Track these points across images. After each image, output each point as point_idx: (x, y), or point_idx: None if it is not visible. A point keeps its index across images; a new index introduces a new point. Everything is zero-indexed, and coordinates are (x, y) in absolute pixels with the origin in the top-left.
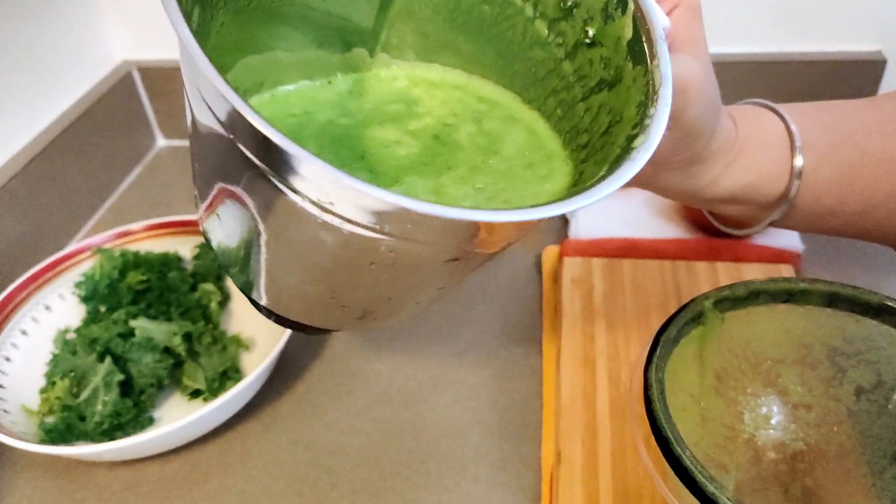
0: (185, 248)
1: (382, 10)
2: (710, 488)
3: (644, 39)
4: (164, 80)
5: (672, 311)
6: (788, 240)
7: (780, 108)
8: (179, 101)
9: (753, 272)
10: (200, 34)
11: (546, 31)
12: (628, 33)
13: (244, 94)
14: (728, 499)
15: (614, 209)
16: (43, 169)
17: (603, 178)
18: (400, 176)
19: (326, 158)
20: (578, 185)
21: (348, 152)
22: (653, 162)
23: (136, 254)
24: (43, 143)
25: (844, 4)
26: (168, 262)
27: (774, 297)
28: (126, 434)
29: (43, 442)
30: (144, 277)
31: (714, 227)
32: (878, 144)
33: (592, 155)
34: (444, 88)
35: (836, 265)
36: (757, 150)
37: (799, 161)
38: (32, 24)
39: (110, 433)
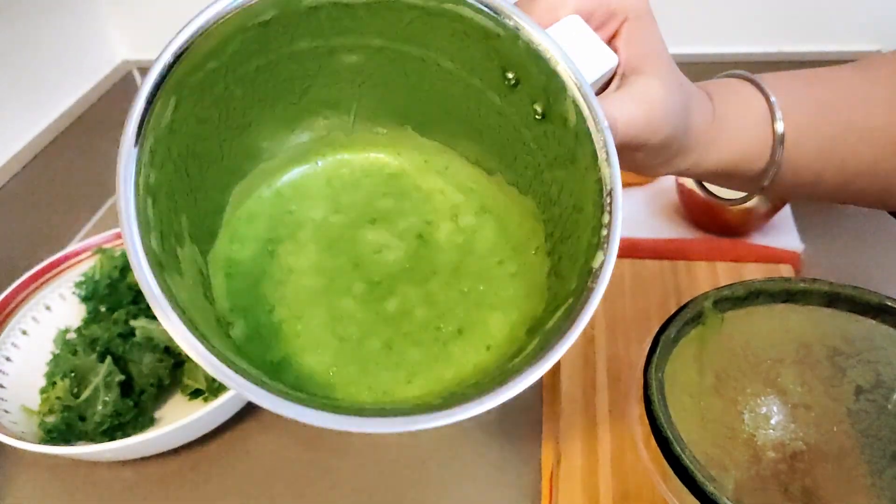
0: None
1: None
2: (710, 488)
3: (589, 128)
4: None
5: (672, 311)
6: (788, 240)
7: (761, 79)
8: None
9: (753, 272)
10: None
11: (499, 101)
12: (573, 118)
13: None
14: (727, 498)
15: None
16: (43, 169)
17: (537, 350)
18: (394, 286)
19: (325, 266)
20: (548, 292)
21: (345, 259)
22: (628, 167)
23: None
24: (43, 143)
25: (844, 4)
26: None
27: (774, 297)
28: (126, 434)
29: (43, 442)
30: None
31: (712, 227)
32: (860, 116)
33: (564, 240)
34: (428, 174)
35: (836, 265)
36: (738, 129)
37: (780, 129)
38: (33, 25)
39: (110, 433)
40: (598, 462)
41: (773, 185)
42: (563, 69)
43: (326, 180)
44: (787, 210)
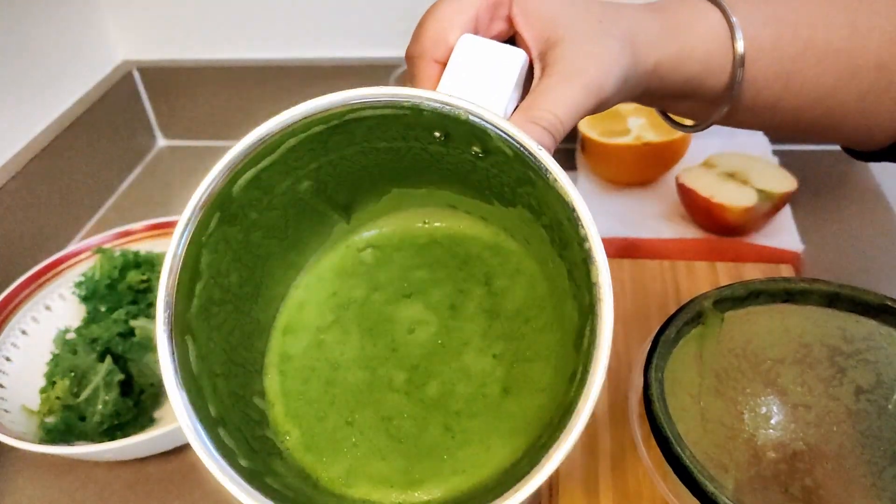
0: None
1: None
2: (710, 488)
3: (527, 155)
4: (164, 80)
5: (672, 311)
6: (788, 240)
7: None
8: (180, 101)
9: (753, 272)
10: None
11: (444, 150)
12: (509, 150)
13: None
14: (727, 498)
15: (614, 209)
16: (43, 169)
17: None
18: (431, 367)
19: (367, 354)
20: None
21: (383, 344)
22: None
23: (136, 253)
24: (43, 143)
25: None
26: None
27: (774, 296)
28: (126, 434)
29: (43, 442)
30: (144, 277)
31: (712, 227)
32: (821, 37)
33: (565, 247)
34: (463, 245)
35: (836, 265)
36: (694, 42)
37: (741, 48)
38: (33, 25)
39: (110, 433)
40: (598, 462)
41: (734, 110)
42: (474, 119)
43: (360, 260)
44: (787, 210)
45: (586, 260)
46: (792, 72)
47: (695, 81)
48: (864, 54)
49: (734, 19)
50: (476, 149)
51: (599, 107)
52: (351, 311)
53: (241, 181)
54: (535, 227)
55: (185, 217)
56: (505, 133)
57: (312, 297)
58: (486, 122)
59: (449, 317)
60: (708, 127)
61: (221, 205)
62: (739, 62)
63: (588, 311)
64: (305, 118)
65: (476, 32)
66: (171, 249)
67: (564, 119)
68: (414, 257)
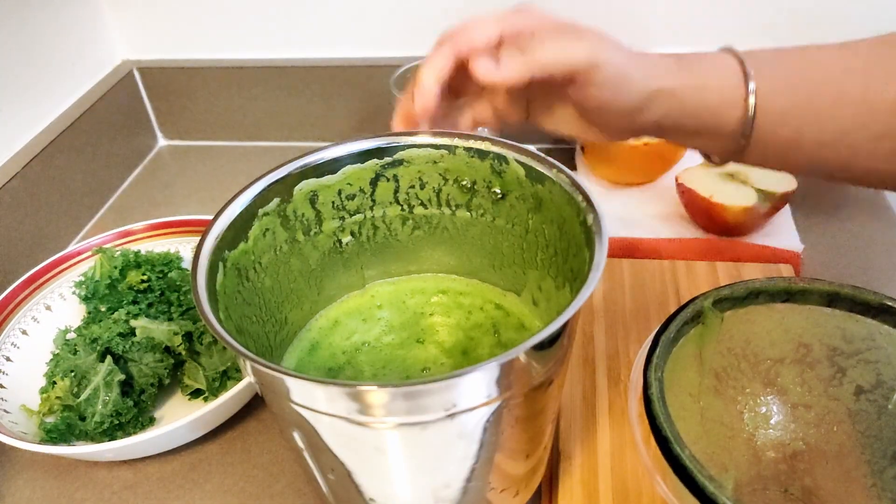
0: (185, 247)
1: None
2: (710, 488)
3: (535, 171)
4: (164, 80)
5: (672, 311)
6: (788, 240)
7: (733, 47)
8: (180, 101)
9: (753, 272)
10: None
11: (469, 214)
12: (521, 171)
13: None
14: (727, 498)
15: (614, 209)
16: (43, 169)
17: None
18: None
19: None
20: None
21: (396, 375)
22: (601, 130)
23: (136, 253)
24: (43, 143)
25: (844, 4)
26: (169, 261)
27: (774, 296)
28: (126, 434)
29: (43, 442)
30: (145, 277)
31: (712, 227)
32: (834, 82)
33: (566, 258)
34: (471, 297)
35: (835, 265)
36: (707, 78)
37: (752, 85)
38: (33, 25)
39: (111, 433)
40: (598, 462)
41: (751, 148)
42: (495, 148)
43: (377, 305)
44: (787, 210)
45: (588, 232)
46: (805, 110)
47: (710, 113)
48: (881, 98)
49: (745, 59)
50: (496, 189)
51: (583, 75)
52: (363, 353)
53: (306, 187)
54: (548, 265)
55: (258, 186)
56: (517, 151)
57: (325, 340)
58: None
59: (462, 360)
60: (728, 161)
61: (282, 194)
62: (751, 92)
63: None
64: (361, 150)
65: (498, 47)
66: (233, 202)
67: (507, 74)
68: (426, 305)
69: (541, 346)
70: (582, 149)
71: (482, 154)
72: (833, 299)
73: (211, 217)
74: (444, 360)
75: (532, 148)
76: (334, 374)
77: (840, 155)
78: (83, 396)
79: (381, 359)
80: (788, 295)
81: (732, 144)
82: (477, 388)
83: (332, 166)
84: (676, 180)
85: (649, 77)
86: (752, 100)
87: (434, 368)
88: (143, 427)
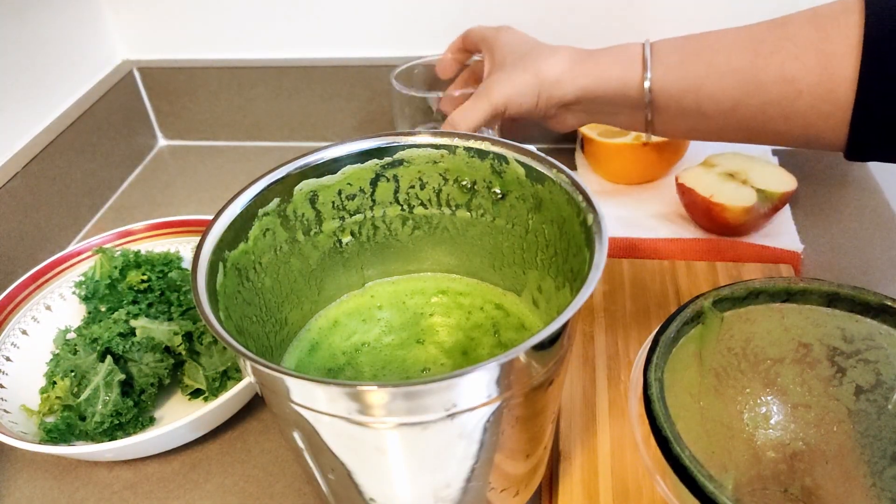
0: (185, 247)
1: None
2: (710, 487)
3: (535, 171)
4: (164, 80)
5: (672, 311)
6: (788, 240)
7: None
8: (180, 101)
9: (753, 272)
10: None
11: (469, 214)
12: (521, 171)
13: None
14: (727, 498)
15: (614, 209)
16: (43, 169)
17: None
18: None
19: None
20: None
21: (396, 375)
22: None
23: (136, 253)
24: (43, 143)
25: None
26: (169, 261)
27: (774, 296)
28: (126, 434)
29: (43, 442)
30: (145, 277)
31: (712, 227)
32: (723, 60)
33: (566, 257)
34: (471, 297)
35: (836, 265)
36: (612, 60)
37: (648, 73)
38: (33, 25)
39: (111, 433)
40: (598, 462)
41: (657, 122)
42: (496, 148)
43: (377, 305)
44: (787, 210)
45: (589, 231)
46: (701, 86)
47: (619, 97)
48: (766, 70)
49: (646, 43)
50: (496, 190)
51: (505, 115)
52: (364, 353)
53: (306, 187)
54: (549, 262)
55: (258, 186)
56: (517, 151)
57: (325, 341)
58: (504, 146)
59: (462, 360)
60: (651, 132)
61: (282, 194)
62: (648, 79)
63: None
64: (361, 150)
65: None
66: (233, 202)
67: (471, 124)
68: (426, 306)
69: (541, 346)
70: (582, 148)
71: (482, 154)
72: (833, 299)
73: (211, 217)
74: (444, 360)
75: (532, 148)
76: (334, 374)
77: (740, 122)
78: (83, 396)
79: (381, 359)
80: (788, 295)
81: (641, 119)
82: (477, 388)
83: (332, 166)
84: (676, 180)
85: (547, 90)
86: (647, 84)
87: (434, 369)
88: (143, 427)
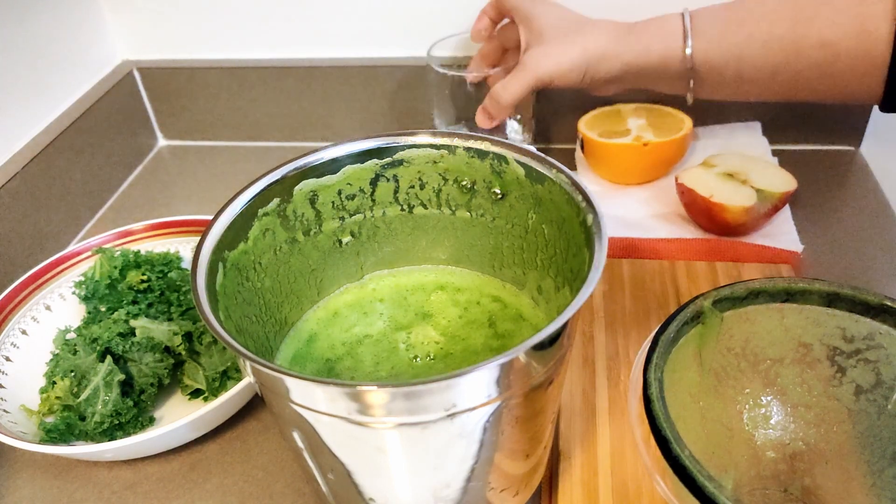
0: (185, 247)
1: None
2: (709, 487)
3: (535, 171)
4: (164, 80)
5: (671, 311)
6: (788, 240)
7: (687, 9)
8: (180, 101)
9: (753, 272)
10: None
11: (468, 214)
12: (521, 171)
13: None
14: (727, 498)
15: (614, 209)
16: (43, 169)
17: None
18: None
19: (381, 376)
20: None
21: (392, 367)
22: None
23: (136, 253)
24: (43, 143)
25: None
26: (169, 261)
27: (774, 296)
28: (126, 434)
29: (43, 442)
30: (145, 277)
31: (712, 227)
32: (765, 28)
33: (567, 257)
34: (466, 292)
35: (835, 265)
36: (654, 33)
37: (689, 42)
38: (33, 25)
39: (110, 433)
40: (597, 462)
41: (699, 87)
42: (495, 148)
43: (378, 298)
44: (787, 210)
45: (588, 231)
46: (741, 55)
47: (661, 70)
48: (806, 37)
49: (686, 16)
50: (496, 190)
51: (549, 87)
52: (365, 344)
53: (306, 187)
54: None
55: (258, 186)
56: (516, 151)
57: (324, 332)
58: (503, 145)
59: (463, 352)
60: (694, 97)
61: (282, 194)
62: (689, 47)
63: None
64: (361, 150)
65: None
66: (233, 202)
67: (515, 97)
68: (424, 302)
69: (541, 346)
70: (582, 149)
71: (482, 154)
72: (833, 299)
73: (211, 217)
74: (444, 351)
75: (532, 148)
76: (332, 363)
77: (780, 85)
78: (83, 396)
79: (380, 350)
80: (788, 295)
81: (683, 87)
82: (477, 388)
83: (331, 166)
84: (676, 180)
85: (595, 63)
86: (688, 56)
87: (435, 358)
88: (143, 427)
